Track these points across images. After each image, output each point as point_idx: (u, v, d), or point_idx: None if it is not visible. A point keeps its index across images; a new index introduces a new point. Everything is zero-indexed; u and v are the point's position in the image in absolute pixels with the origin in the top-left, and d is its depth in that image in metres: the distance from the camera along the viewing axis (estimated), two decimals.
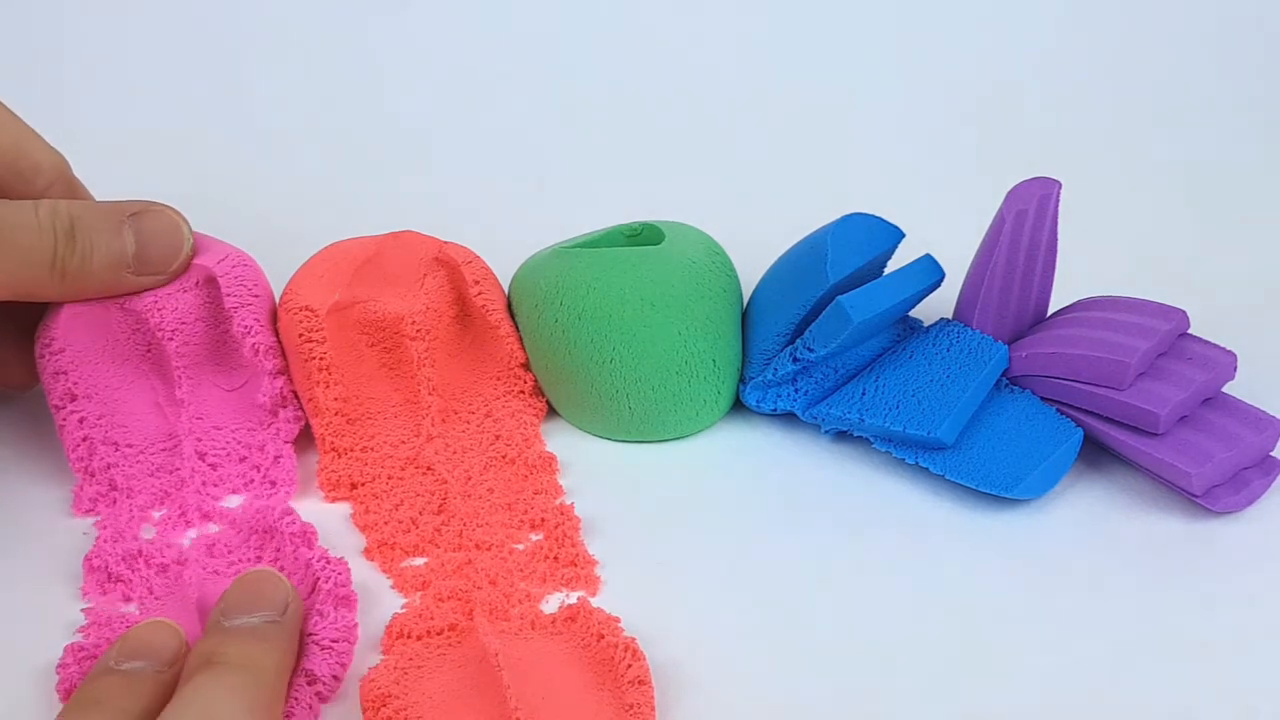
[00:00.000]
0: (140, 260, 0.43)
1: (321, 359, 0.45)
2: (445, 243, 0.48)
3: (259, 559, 0.41)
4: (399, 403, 0.46)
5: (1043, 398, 0.46)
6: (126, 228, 0.42)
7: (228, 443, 0.45)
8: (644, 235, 0.49)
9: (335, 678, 0.37)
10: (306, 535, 0.41)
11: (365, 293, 0.46)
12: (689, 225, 0.49)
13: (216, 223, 0.47)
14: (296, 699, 0.36)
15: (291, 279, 0.46)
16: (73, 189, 0.44)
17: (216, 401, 0.45)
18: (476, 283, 0.47)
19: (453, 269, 0.47)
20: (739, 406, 0.48)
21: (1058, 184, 0.45)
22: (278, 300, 0.46)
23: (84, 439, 0.43)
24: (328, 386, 0.45)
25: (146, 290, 0.43)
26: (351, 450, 0.45)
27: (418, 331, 0.46)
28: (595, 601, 0.40)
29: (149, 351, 0.45)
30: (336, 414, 0.45)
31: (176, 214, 0.43)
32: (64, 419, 0.44)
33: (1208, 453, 0.43)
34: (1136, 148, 0.64)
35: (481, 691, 0.36)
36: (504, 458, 0.45)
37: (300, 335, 0.45)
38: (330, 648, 0.38)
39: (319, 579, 0.39)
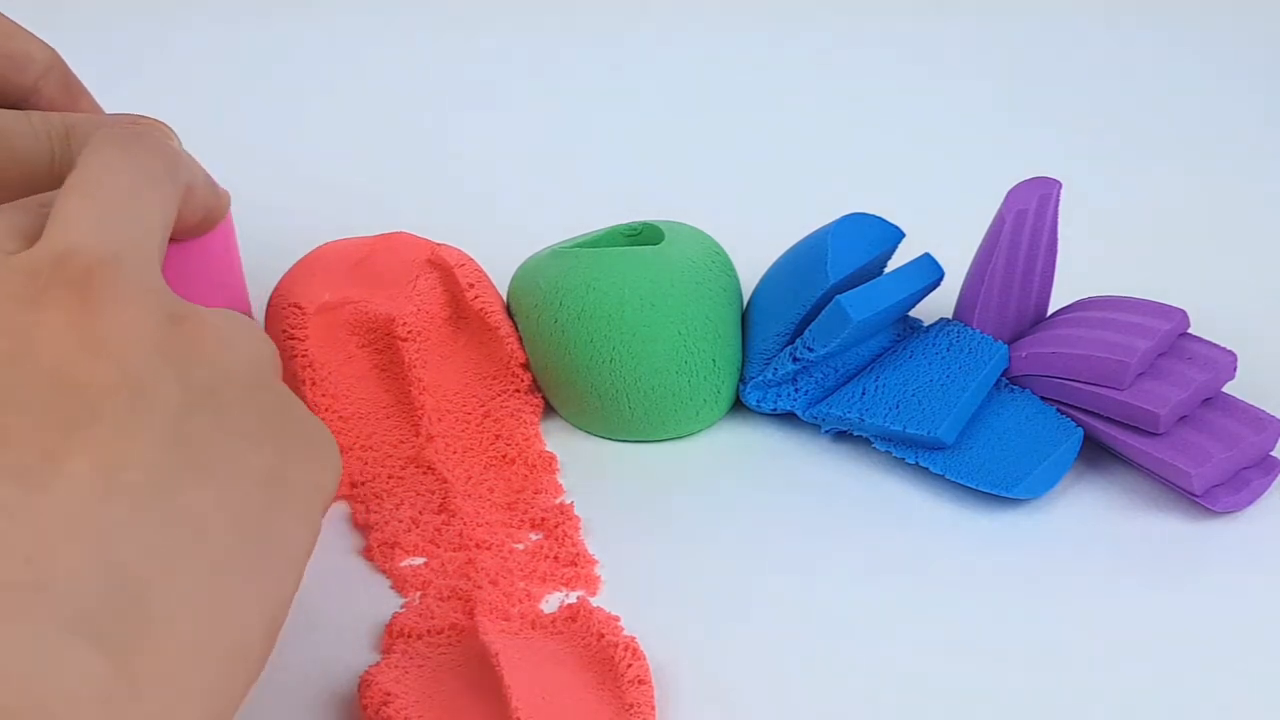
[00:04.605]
0: None
1: (304, 355, 0.45)
2: (437, 245, 0.47)
3: None
4: (390, 404, 0.46)
5: (1043, 398, 0.46)
6: None
7: None
8: (644, 235, 0.49)
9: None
10: None
11: (356, 293, 0.46)
12: (689, 225, 0.49)
13: None
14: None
15: (283, 278, 0.46)
16: (68, 82, 0.43)
17: None
18: (471, 285, 0.47)
19: (445, 271, 0.47)
20: (739, 406, 0.48)
21: (1058, 184, 0.45)
22: (268, 300, 0.46)
23: None
24: (314, 384, 0.45)
25: None
26: (352, 449, 0.45)
27: (409, 333, 0.46)
28: (595, 601, 0.40)
29: None
30: (326, 409, 0.45)
31: (167, 129, 0.42)
32: None
33: (1208, 453, 0.43)
34: (1137, 147, 0.64)
35: (481, 691, 0.36)
36: (504, 458, 0.45)
37: (284, 331, 0.45)
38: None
39: None
